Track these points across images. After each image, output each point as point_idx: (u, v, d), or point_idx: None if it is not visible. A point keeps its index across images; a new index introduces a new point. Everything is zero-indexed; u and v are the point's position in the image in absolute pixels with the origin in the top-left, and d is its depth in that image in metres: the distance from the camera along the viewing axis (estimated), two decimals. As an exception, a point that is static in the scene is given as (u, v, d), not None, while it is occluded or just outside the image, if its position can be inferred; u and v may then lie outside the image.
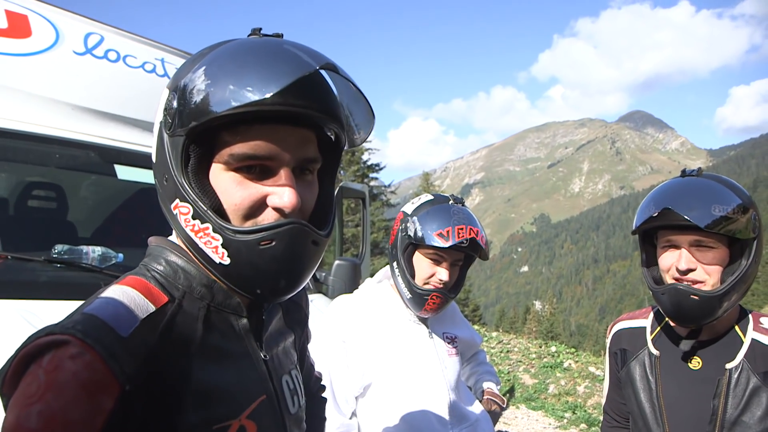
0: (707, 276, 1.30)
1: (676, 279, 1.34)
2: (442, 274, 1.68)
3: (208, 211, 0.71)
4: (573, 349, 9.58)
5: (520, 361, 8.65)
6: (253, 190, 0.72)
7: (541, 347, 9.52)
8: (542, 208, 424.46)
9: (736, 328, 1.37)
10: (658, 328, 1.53)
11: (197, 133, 0.71)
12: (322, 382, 1.29)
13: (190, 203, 0.72)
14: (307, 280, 0.78)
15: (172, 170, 0.73)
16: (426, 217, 1.67)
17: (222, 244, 0.72)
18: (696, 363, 1.40)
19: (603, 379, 7.26)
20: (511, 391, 7.48)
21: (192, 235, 0.74)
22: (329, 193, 0.85)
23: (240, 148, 0.71)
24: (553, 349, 9.34)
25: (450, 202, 1.72)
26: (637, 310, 1.65)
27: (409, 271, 1.71)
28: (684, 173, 1.39)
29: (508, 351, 9.16)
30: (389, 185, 32.46)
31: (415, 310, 1.73)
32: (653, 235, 1.44)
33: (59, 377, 0.60)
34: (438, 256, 1.69)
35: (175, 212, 0.75)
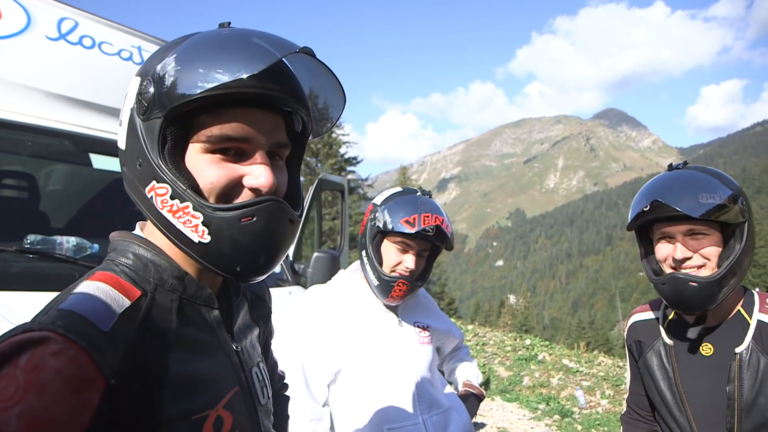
0: (705, 261, 1.35)
1: (674, 269, 1.39)
2: (409, 261, 1.73)
3: (188, 190, 0.72)
4: (547, 342, 9.75)
5: (495, 354, 8.77)
6: (230, 170, 0.74)
7: (516, 340, 9.67)
8: (518, 203, 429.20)
9: (741, 310, 1.40)
10: (669, 318, 1.56)
11: (173, 116, 0.72)
12: (285, 381, 1.30)
13: (168, 183, 0.73)
14: (282, 259, 0.79)
15: (148, 153, 0.73)
16: (394, 206, 1.74)
17: (203, 222, 0.72)
18: (708, 349, 1.43)
19: (577, 371, 7.44)
20: (486, 383, 7.58)
21: (170, 216, 0.73)
22: (297, 180, 0.87)
23: (218, 130, 0.72)
24: (528, 342, 9.49)
25: (417, 194, 1.79)
26: (649, 302, 1.69)
27: (377, 259, 1.76)
28: (671, 167, 1.44)
29: (483, 344, 9.28)
30: (366, 179, 32.48)
31: (382, 297, 1.77)
32: (648, 229, 1.50)
33: (41, 376, 0.57)
34: (405, 244, 1.73)
35: (150, 195, 0.74)
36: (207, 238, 0.73)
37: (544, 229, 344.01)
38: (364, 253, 1.80)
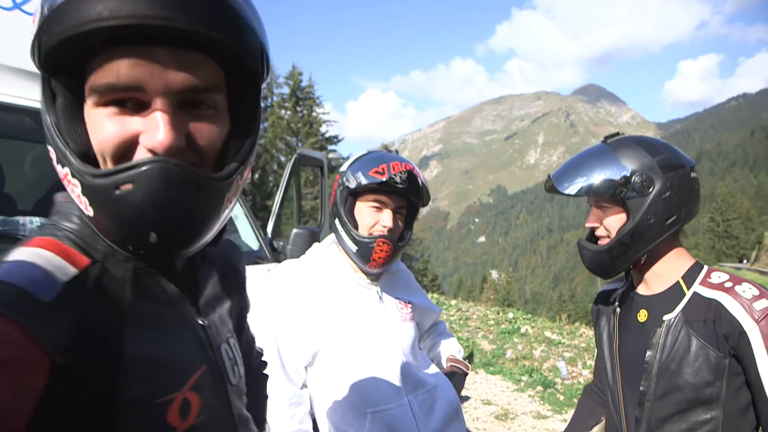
0: (606, 232, 1.43)
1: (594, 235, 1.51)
2: (386, 219, 1.65)
3: (67, 152, 0.61)
4: (530, 316, 9.86)
5: (478, 328, 8.84)
6: (121, 125, 0.60)
7: (498, 314, 9.75)
8: (499, 179, 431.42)
9: (681, 281, 1.41)
10: (624, 287, 1.58)
11: (54, 67, 0.60)
12: (263, 358, 1.22)
13: (51, 146, 0.62)
14: (206, 234, 0.66)
15: (43, 113, 0.63)
16: (360, 164, 1.67)
17: (82, 191, 0.61)
18: (643, 316, 1.45)
19: (559, 343, 7.50)
20: (470, 356, 7.64)
21: (65, 183, 0.63)
22: (247, 131, 0.71)
23: (99, 78, 0.59)
24: (511, 315, 9.58)
25: (385, 152, 1.73)
26: None
27: (352, 224, 1.67)
28: (605, 140, 1.50)
29: (467, 318, 9.35)
30: (347, 157, 32.04)
31: (363, 263, 1.66)
32: None
33: None
34: (379, 202, 1.66)
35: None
36: (90, 211, 0.61)
37: (525, 205, 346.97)
38: (337, 221, 1.70)
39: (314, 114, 34.44)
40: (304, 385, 1.68)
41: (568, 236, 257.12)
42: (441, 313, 2.12)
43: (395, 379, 1.64)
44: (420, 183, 1.66)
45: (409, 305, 1.81)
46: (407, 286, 1.90)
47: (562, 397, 6.13)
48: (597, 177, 1.39)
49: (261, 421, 1.13)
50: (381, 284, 1.77)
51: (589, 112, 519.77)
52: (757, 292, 1.30)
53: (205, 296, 0.80)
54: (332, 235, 1.79)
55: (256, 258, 3.37)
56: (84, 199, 0.61)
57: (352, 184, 1.64)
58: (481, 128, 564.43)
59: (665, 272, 1.44)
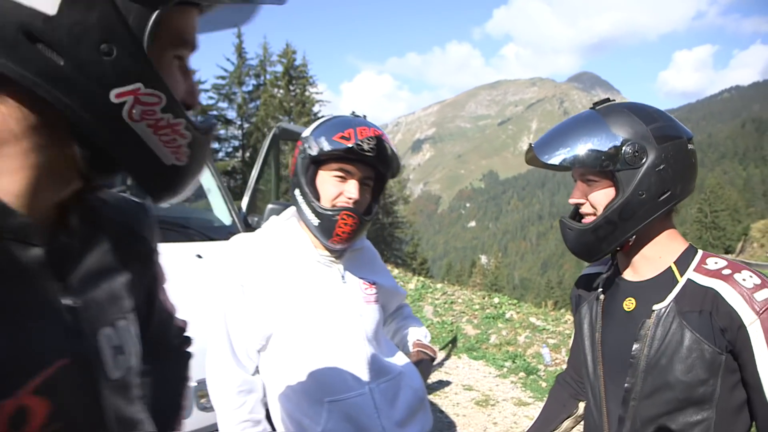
0: (593, 209, 1.27)
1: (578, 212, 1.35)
2: (351, 190, 1.48)
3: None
4: (515, 301, 9.78)
5: (463, 312, 8.75)
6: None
7: (484, 299, 9.66)
8: (491, 165, 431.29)
9: (673, 267, 1.26)
10: (609, 271, 1.43)
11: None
12: (186, 334, 1.06)
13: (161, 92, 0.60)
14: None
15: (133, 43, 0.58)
16: (324, 128, 1.50)
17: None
18: (630, 304, 1.30)
19: (543, 329, 7.44)
20: (453, 341, 7.55)
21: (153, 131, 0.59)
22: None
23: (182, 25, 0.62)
24: (496, 300, 9.50)
25: (352, 116, 1.56)
26: None
27: (314, 195, 1.50)
28: (594, 106, 1.33)
29: (452, 302, 9.24)
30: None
31: (325, 238, 1.50)
32: None
33: None
34: (344, 171, 1.49)
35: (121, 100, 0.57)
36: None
37: (516, 191, 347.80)
38: (297, 192, 1.53)
39: (307, 93, 34.06)
40: (257, 371, 1.54)
41: (558, 223, 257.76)
42: (406, 295, 1.96)
43: (356, 366, 1.49)
44: (389, 151, 1.50)
45: (374, 286, 1.65)
46: (372, 265, 1.74)
47: (544, 384, 6.05)
48: (584, 146, 1.22)
49: (177, 407, 0.98)
50: (344, 262, 1.60)
51: (583, 99, 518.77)
52: (758, 281, 1.15)
53: (83, 268, 0.64)
54: (292, 208, 1.62)
55: (229, 233, 3.21)
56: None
57: (314, 151, 1.47)
58: (475, 113, 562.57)
59: (656, 256, 1.28)
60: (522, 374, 6.34)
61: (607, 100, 1.32)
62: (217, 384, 1.49)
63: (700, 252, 1.28)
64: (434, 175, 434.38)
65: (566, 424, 1.57)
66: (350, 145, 1.41)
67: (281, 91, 33.24)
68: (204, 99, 31.16)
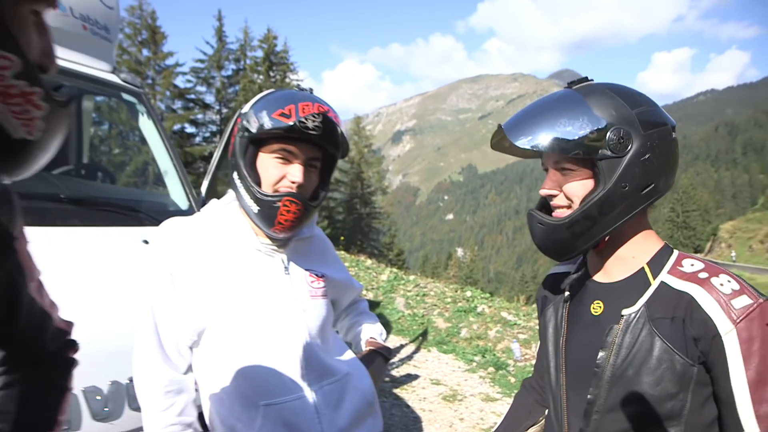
0: (568, 202, 1.13)
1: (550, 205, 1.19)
2: (294, 173, 1.33)
3: None
4: (488, 295, 9.73)
5: (435, 305, 8.67)
6: None
7: (456, 291, 9.60)
8: (470, 158, 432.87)
9: (646, 268, 1.13)
10: (578, 271, 1.30)
11: None
12: (70, 337, 0.90)
13: None
14: None
15: None
16: (263, 103, 1.33)
17: None
18: (598, 308, 1.17)
19: (515, 324, 7.38)
20: (423, 334, 7.47)
21: None
22: None
23: None
24: (468, 293, 9.44)
25: (296, 90, 1.40)
26: None
27: (254, 179, 1.34)
28: (569, 85, 1.18)
29: (424, 295, 9.16)
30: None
31: (267, 226, 1.35)
32: None
33: None
34: (286, 152, 1.33)
35: None
36: None
37: (494, 185, 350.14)
38: (236, 175, 1.37)
39: (288, 80, 33.63)
40: (189, 369, 1.38)
41: (527, 216, 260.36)
42: (362, 289, 1.82)
43: (296, 366, 1.34)
44: (338, 129, 1.34)
45: (323, 279, 1.50)
46: (323, 256, 1.59)
47: (513, 380, 6.00)
48: (562, 129, 1.07)
49: (50, 423, 0.80)
50: (289, 252, 1.45)
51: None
52: (737, 287, 1.02)
53: None
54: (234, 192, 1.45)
55: (185, 218, 3.03)
56: None
57: (253, 129, 1.31)
58: (456, 106, 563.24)
59: (629, 256, 1.15)
60: (491, 369, 6.28)
61: (585, 79, 1.17)
62: (144, 383, 1.34)
63: (675, 252, 1.15)
64: (413, 167, 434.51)
65: (531, 431, 1.46)
66: (291, 123, 1.25)
67: (261, 76, 32.75)
68: (182, 82, 30.53)
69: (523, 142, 1.09)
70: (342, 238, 27.98)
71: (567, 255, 1.18)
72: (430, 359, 6.56)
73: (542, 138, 1.08)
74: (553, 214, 1.17)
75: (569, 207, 1.13)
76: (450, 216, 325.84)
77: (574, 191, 1.12)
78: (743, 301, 1.00)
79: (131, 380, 1.73)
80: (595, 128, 1.06)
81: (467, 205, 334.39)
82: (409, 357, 6.55)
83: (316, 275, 1.48)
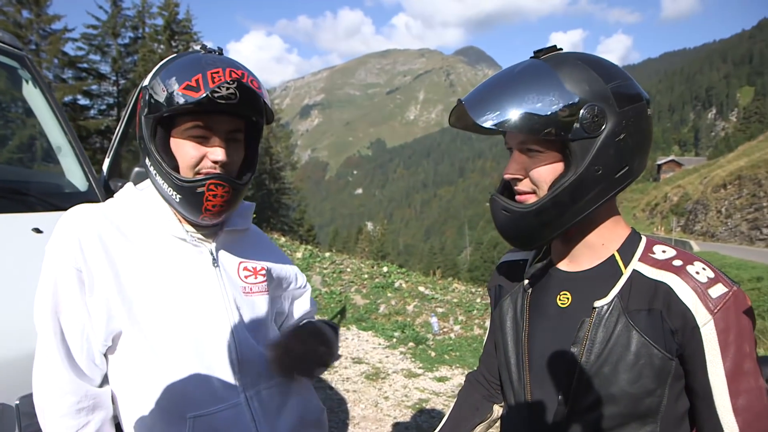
0: (534, 187, 1.03)
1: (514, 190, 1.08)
2: (215, 152, 1.14)
3: None
4: (404, 270, 9.82)
5: (352, 282, 8.60)
6: None
7: (373, 267, 9.60)
8: (379, 133, 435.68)
9: (616, 255, 1.06)
10: (537, 257, 1.21)
11: None
12: None
13: None
14: None
15: None
16: (166, 74, 1.12)
17: None
18: (565, 299, 1.08)
19: (432, 298, 7.48)
20: (342, 311, 7.39)
21: None
22: None
23: None
24: (385, 269, 9.47)
25: (201, 53, 1.18)
26: None
27: (170, 164, 1.14)
28: (536, 54, 1.05)
29: (340, 272, 9.06)
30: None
31: (193, 215, 1.16)
32: None
33: None
34: (202, 129, 1.14)
35: None
36: None
37: (402, 159, 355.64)
38: (147, 161, 1.16)
39: (191, 50, 31.79)
40: (105, 381, 1.17)
41: (441, 192, 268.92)
42: (310, 289, 1.63)
43: (227, 371, 1.17)
44: (257, 93, 1.15)
45: (260, 273, 1.32)
46: (259, 246, 1.41)
47: (433, 353, 6.10)
48: (530, 105, 0.94)
49: None
50: (219, 242, 1.26)
51: (468, 73, 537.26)
52: (712, 275, 0.98)
53: None
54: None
55: (83, 202, 2.67)
56: None
57: (158, 107, 1.11)
58: (364, 81, 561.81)
59: (598, 243, 1.07)
60: (411, 344, 6.33)
61: (554, 48, 1.05)
62: (48, 401, 1.11)
63: (644, 238, 1.09)
64: (322, 142, 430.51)
65: (479, 429, 1.37)
66: (201, 97, 1.05)
67: (162, 46, 30.60)
68: (71, 49, 27.73)
69: (487, 121, 0.96)
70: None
71: (533, 244, 1.10)
72: (350, 337, 6.50)
73: (509, 116, 0.95)
74: (517, 198, 1.07)
75: (535, 192, 1.03)
76: (359, 190, 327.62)
77: (541, 176, 1.01)
78: (719, 290, 0.96)
79: (23, 400, 1.45)
80: (568, 104, 0.95)
81: (376, 179, 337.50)
82: (329, 336, 6.47)
83: (252, 269, 1.30)
